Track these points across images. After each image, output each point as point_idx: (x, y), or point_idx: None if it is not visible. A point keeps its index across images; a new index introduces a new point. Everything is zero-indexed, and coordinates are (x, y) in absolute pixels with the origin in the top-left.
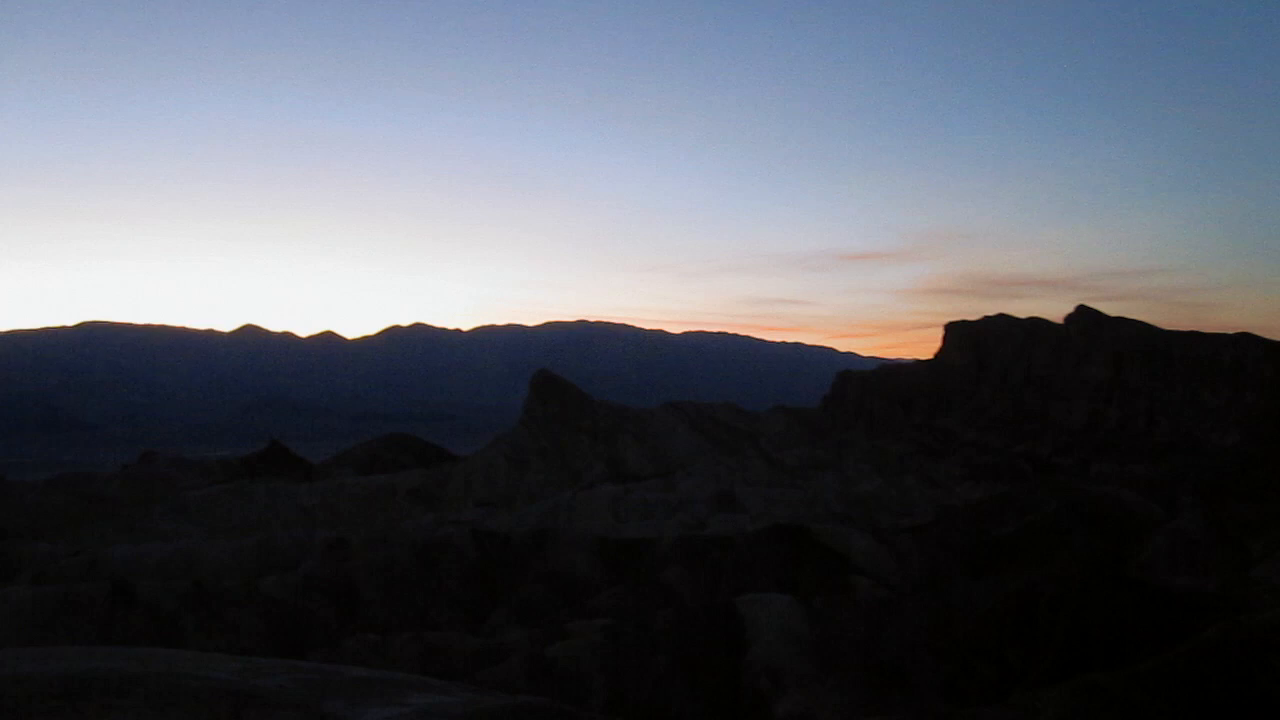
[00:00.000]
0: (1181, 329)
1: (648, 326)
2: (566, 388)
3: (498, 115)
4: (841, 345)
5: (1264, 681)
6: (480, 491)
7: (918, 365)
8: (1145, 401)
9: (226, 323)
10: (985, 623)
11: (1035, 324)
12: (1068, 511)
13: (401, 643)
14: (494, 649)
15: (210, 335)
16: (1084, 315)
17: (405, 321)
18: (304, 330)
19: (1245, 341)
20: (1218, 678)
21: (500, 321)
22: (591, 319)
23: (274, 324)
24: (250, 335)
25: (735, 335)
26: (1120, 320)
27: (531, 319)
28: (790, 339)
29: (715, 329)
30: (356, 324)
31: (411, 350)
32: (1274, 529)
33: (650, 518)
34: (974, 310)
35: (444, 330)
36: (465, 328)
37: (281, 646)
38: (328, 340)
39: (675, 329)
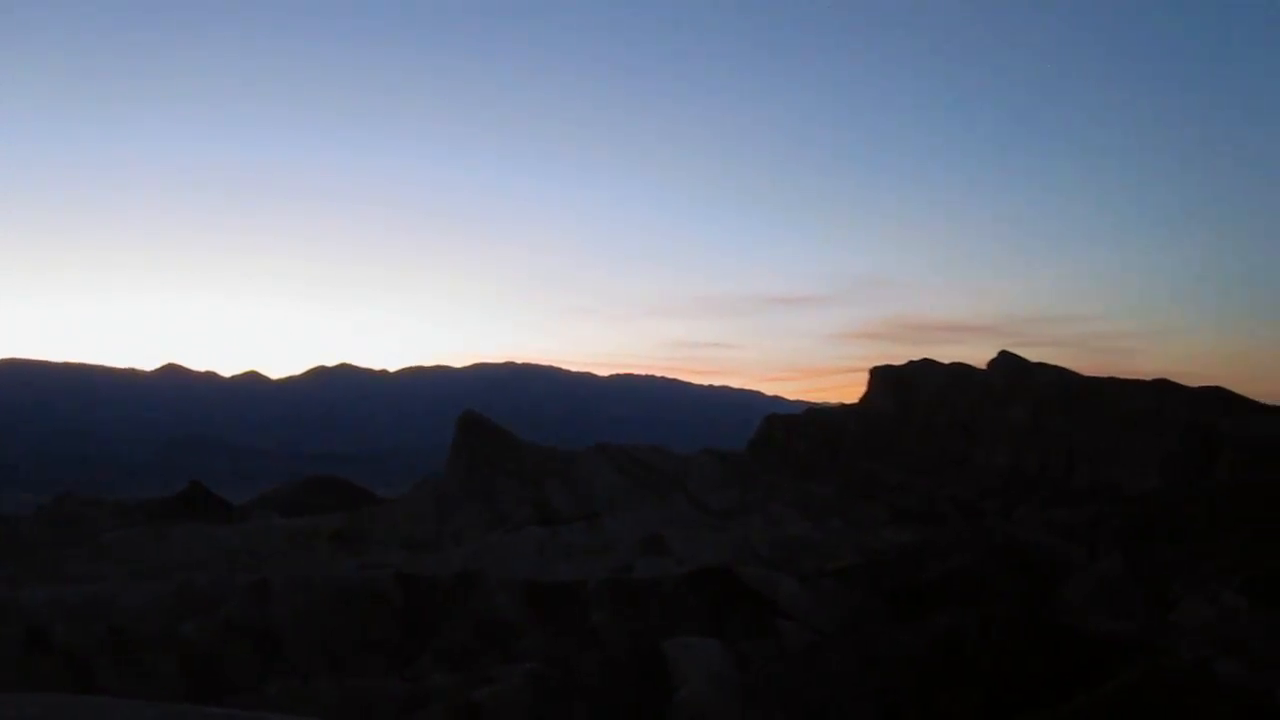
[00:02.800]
0: (1101, 375)
1: (575, 369)
2: (493, 430)
3: (425, 154)
4: (768, 389)
5: None
6: (405, 534)
7: (843, 409)
8: (1066, 446)
9: (148, 361)
10: (911, 666)
11: (959, 369)
12: (991, 555)
13: (324, 688)
14: (419, 694)
15: (131, 374)
16: (1006, 361)
17: (331, 362)
18: (227, 370)
19: (1163, 388)
20: (1139, 719)
21: (427, 363)
22: (519, 361)
23: (197, 363)
24: (172, 374)
25: (663, 378)
26: (1041, 366)
27: (459, 360)
28: (717, 382)
29: (643, 372)
30: (281, 364)
31: (337, 391)
32: (1192, 572)
33: (577, 561)
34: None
35: (370, 371)
36: (392, 369)
37: (201, 693)
38: (252, 380)
39: (603, 371)
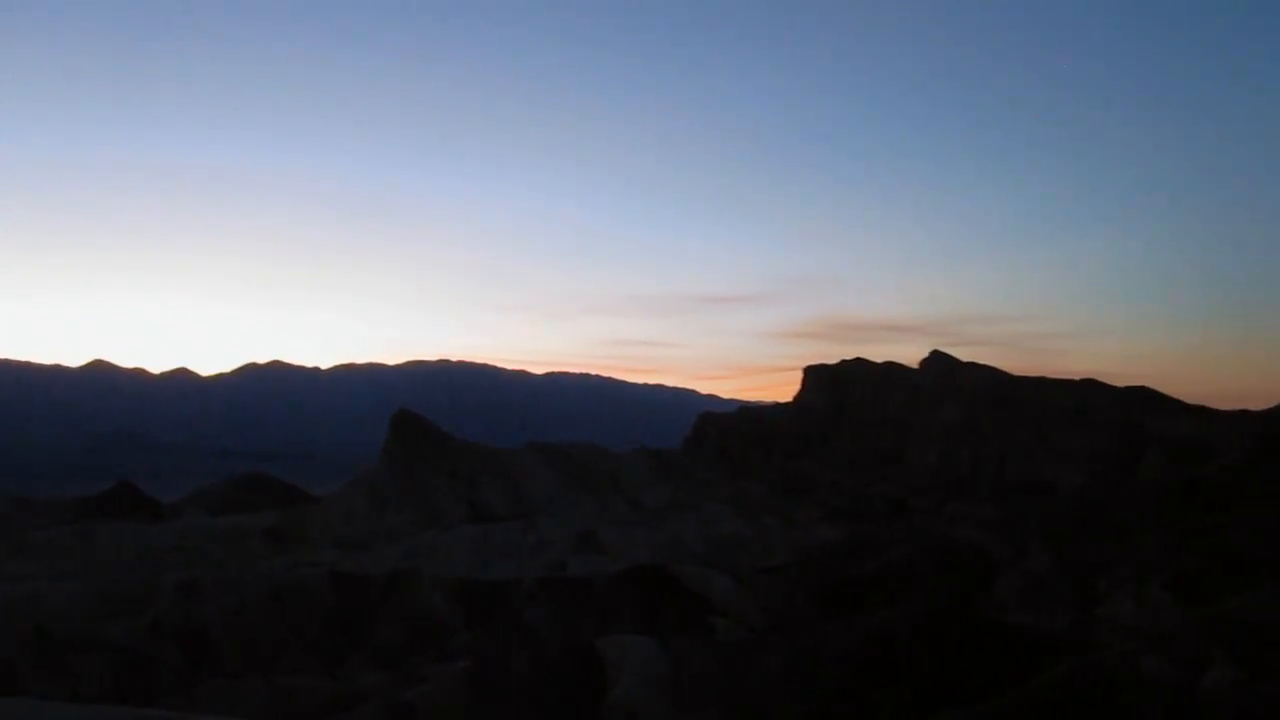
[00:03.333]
0: (1030, 374)
1: (510, 367)
2: (427, 428)
3: (359, 148)
4: (703, 387)
5: (1110, 716)
6: (338, 533)
7: (777, 408)
8: (996, 444)
9: (74, 358)
10: (843, 662)
11: (891, 368)
12: (922, 552)
13: (255, 688)
14: (350, 694)
15: (57, 370)
16: (938, 360)
17: (262, 359)
18: (156, 367)
19: (1091, 387)
20: (1067, 713)
21: (360, 360)
22: (453, 359)
23: (125, 360)
24: (99, 371)
25: (597, 376)
26: (972, 365)
27: (392, 358)
28: (652, 380)
29: (578, 370)
30: (211, 361)
31: (268, 388)
32: (1118, 568)
33: (511, 559)
34: (832, 354)
35: (302, 368)
36: (324, 366)
37: (128, 694)
38: (181, 377)
39: (537, 370)
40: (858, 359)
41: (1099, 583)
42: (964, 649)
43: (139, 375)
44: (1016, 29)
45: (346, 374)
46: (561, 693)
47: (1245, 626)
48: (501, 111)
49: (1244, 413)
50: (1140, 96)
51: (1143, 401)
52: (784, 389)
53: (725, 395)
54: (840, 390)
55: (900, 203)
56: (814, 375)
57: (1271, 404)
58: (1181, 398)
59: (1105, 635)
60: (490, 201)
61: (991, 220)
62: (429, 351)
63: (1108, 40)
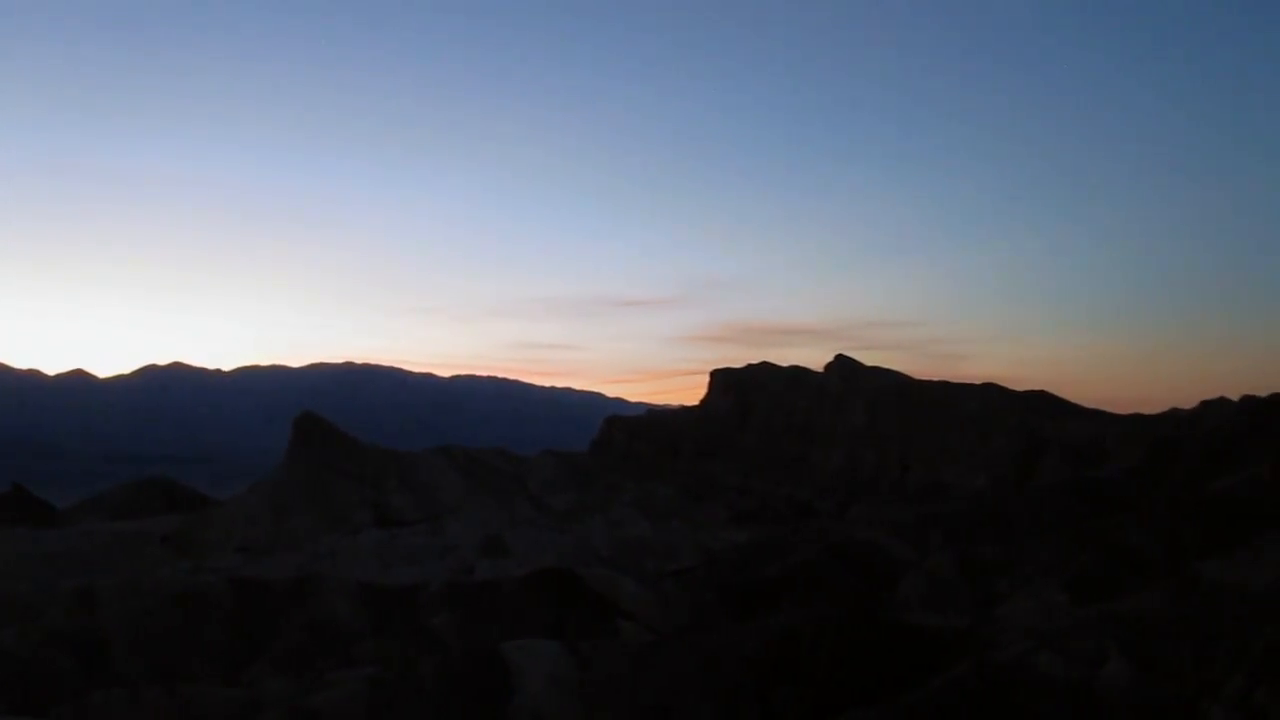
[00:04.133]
0: (933, 378)
1: (417, 370)
2: (331, 431)
3: (263, 150)
4: (610, 390)
5: (1007, 715)
6: (240, 538)
7: (684, 411)
8: (899, 447)
9: None
10: (749, 664)
11: (797, 372)
12: (827, 554)
13: (153, 697)
14: (252, 701)
15: None
16: (842, 364)
17: (162, 360)
18: (52, 368)
19: (991, 391)
20: (966, 712)
21: (264, 362)
22: (359, 361)
23: (18, 361)
24: None
25: (505, 380)
26: (876, 369)
27: (296, 360)
28: (560, 384)
29: (485, 373)
30: (110, 362)
31: (169, 391)
32: (1017, 569)
33: (417, 564)
34: (738, 358)
35: (204, 370)
36: (227, 368)
37: (21, 704)
38: (78, 379)
39: (444, 372)
40: (764, 363)
41: (998, 583)
42: (868, 649)
43: (34, 377)
44: (918, 37)
45: (249, 376)
46: (467, 698)
47: (1139, 624)
48: (409, 112)
49: (1138, 416)
50: (1037, 106)
51: (1041, 405)
52: (691, 392)
53: (632, 398)
54: (746, 394)
55: (806, 207)
56: (720, 379)
57: (1165, 408)
58: (1079, 402)
59: (1004, 634)
60: (396, 202)
61: (895, 226)
62: (334, 353)
63: (1005, 48)
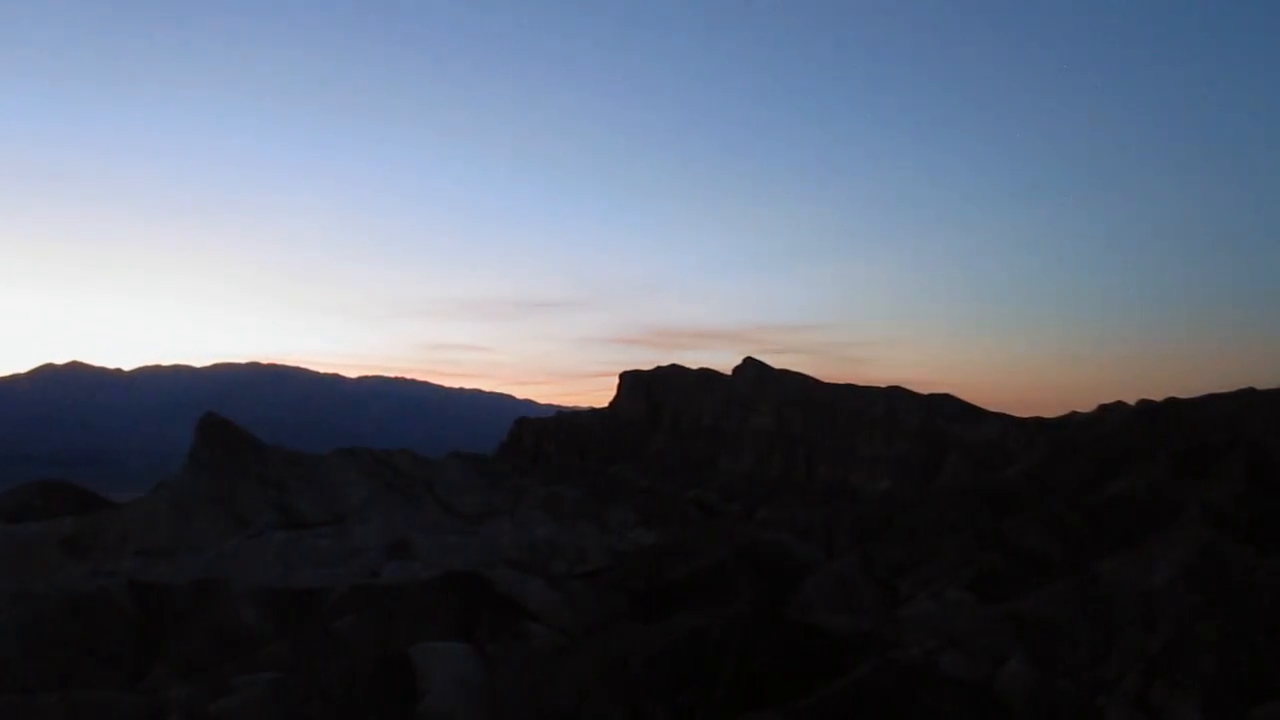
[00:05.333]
0: (840, 381)
1: (323, 370)
2: (235, 432)
3: (168, 142)
4: (520, 392)
5: (913, 713)
6: (140, 541)
7: (593, 413)
8: (806, 450)
9: None
10: (657, 666)
11: (705, 374)
12: (734, 555)
13: (50, 704)
14: (153, 707)
15: None
16: (751, 367)
17: (60, 359)
18: None
19: (895, 394)
20: (871, 711)
21: (165, 361)
22: (264, 361)
23: None
24: None
25: (413, 381)
26: (784, 372)
27: (199, 359)
28: (469, 385)
29: (393, 374)
30: (4, 361)
31: (67, 390)
32: (921, 569)
33: (322, 566)
34: (648, 360)
35: (104, 370)
36: (127, 367)
37: None
38: None
39: (351, 373)
40: (673, 365)
41: (903, 584)
42: (775, 650)
43: None
44: (821, 44)
45: (151, 376)
46: (373, 701)
47: (1039, 623)
48: (316, 105)
49: (1039, 419)
50: (940, 114)
51: (945, 408)
52: (600, 394)
53: (542, 400)
54: (655, 396)
55: (716, 212)
56: (630, 381)
57: (1065, 411)
58: (981, 405)
59: (908, 634)
60: (304, 199)
61: (804, 231)
62: (239, 353)
63: (905, 57)
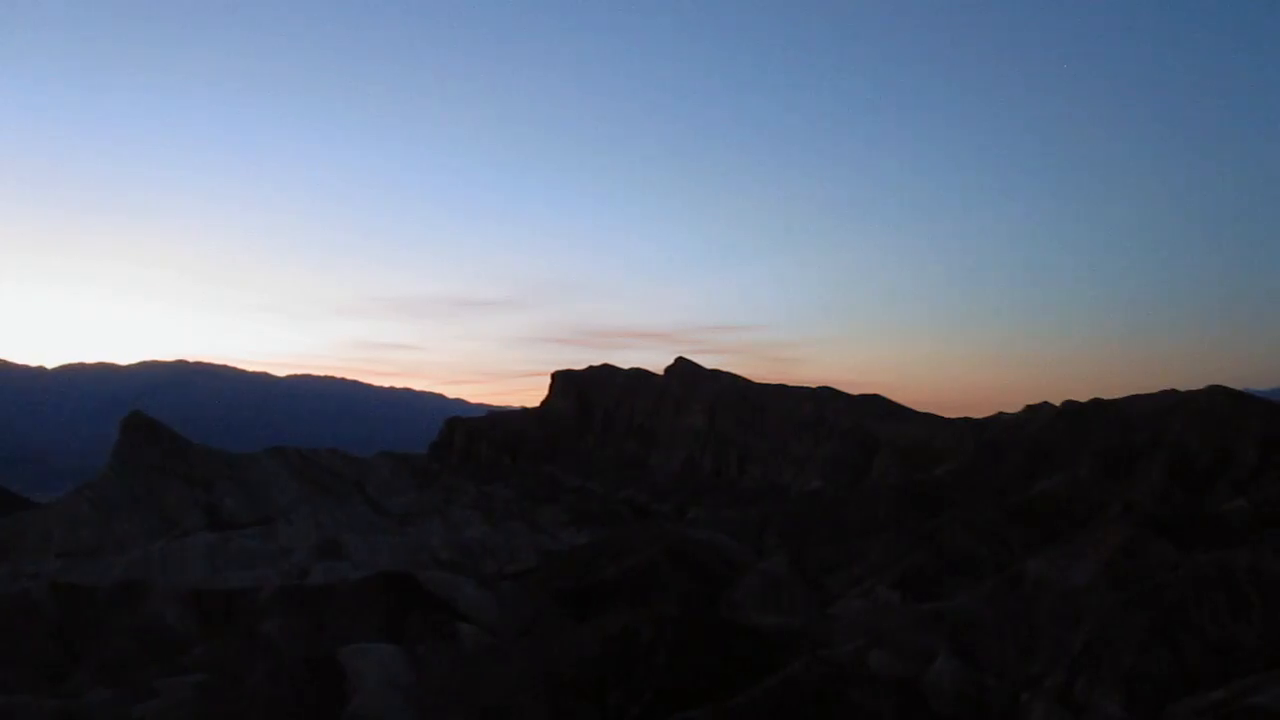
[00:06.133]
0: (770, 382)
1: (251, 369)
2: (161, 431)
3: (91, 130)
4: (451, 392)
5: (842, 710)
6: (62, 542)
7: (525, 413)
8: (737, 450)
9: None
10: (586, 665)
11: (637, 374)
12: (665, 555)
13: None
14: (74, 711)
15: None
16: (682, 367)
17: None
18: None
19: (826, 395)
20: (802, 709)
21: (89, 359)
22: (191, 359)
23: None
24: None
25: (343, 379)
26: (716, 373)
27: (125, 357)
28: (400, 384)
29: (322, 373)
30: None
31: None
32: (849, 568)
33: (250, 567)
34: (580, 360)
35: (25, 368)
36: (49, 365)
37: None
38: None
39: (280, 372)
40: (605, 365)
41: (832, 582)
42: (705, 649)
43: None
44: (754, 46)
45: (74, 374)
46: (301, 704)
47: (966, 621)
48: (245, 100)
49: (967, 420)
50: (872, 116)
51: (875, 408)
52: (532, 394)
53: (473, 400)
54: (587, 396)
55: (647, 211)
56: (562, 381)
57: (992, 411)
58: (910, 405)
59: (838, 633)
60: (233, 195)
61: (736, 232)
62: (165, 351)
63: (837, 58)
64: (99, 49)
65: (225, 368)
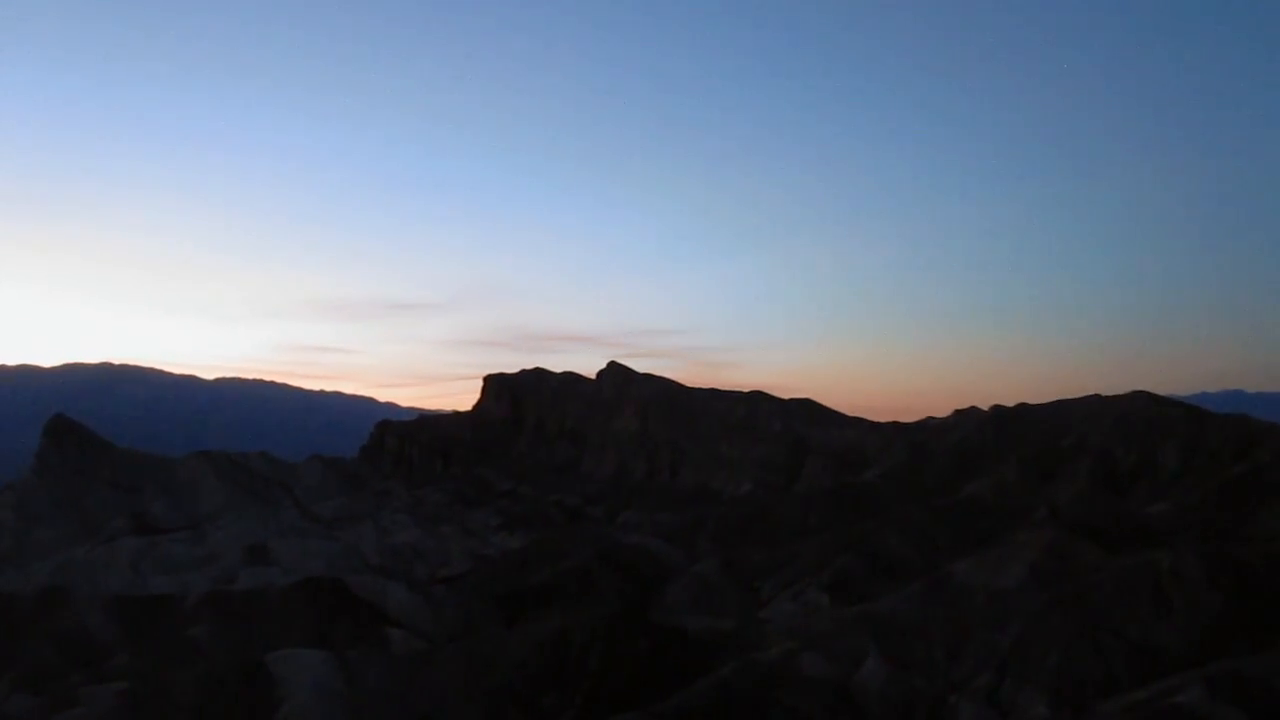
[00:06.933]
0: (702, 386)
1: (178, 371)
2: (85, 434)
3: (13, 126)
4: (381, 395)
5: (774, 713)
6: None
7: (456, 416)
8: (669, 453)
9: None
10: (518, 669)
11: (569, 378)
12: (598, 559)
13: None
14: None
15: None
16: (615, 371)
17: None
18: None
19: (757, 399)
20: (733, 712)
21: (10, 361)
22: (116, 361)
23: None
24: None
25: (272, 383)
26: (648, 376)
27: (47, 359)
28: (330, 387)
29: (250, 375)
30: None
31: None
32: (780, 571)
33: (176, 573)
34: (512, 363)
35: None
36: None
37: None
38: None
39: (208, 374)
40: (537, 369)
41: (764, 586)
42: (637, 652)
43: None
44: (688, 49)
45: None
46: (228, 711)
47: (895, 623)
48: (174, 100)
49: (896, 424)
50: (803, 124)
51: (806, 412)
52: (464, 398)
53: (404, 403)
54: (519, 399)
55: (579, 215)
56: (494, 384)
57: (921, 416)
58: (841, 409)
59: (769, 635)
60: (159, 194)
61: (667, 236)
62: (89, 353)
63: (775, 65)
64: (17, 39)
65: (151, 370)
